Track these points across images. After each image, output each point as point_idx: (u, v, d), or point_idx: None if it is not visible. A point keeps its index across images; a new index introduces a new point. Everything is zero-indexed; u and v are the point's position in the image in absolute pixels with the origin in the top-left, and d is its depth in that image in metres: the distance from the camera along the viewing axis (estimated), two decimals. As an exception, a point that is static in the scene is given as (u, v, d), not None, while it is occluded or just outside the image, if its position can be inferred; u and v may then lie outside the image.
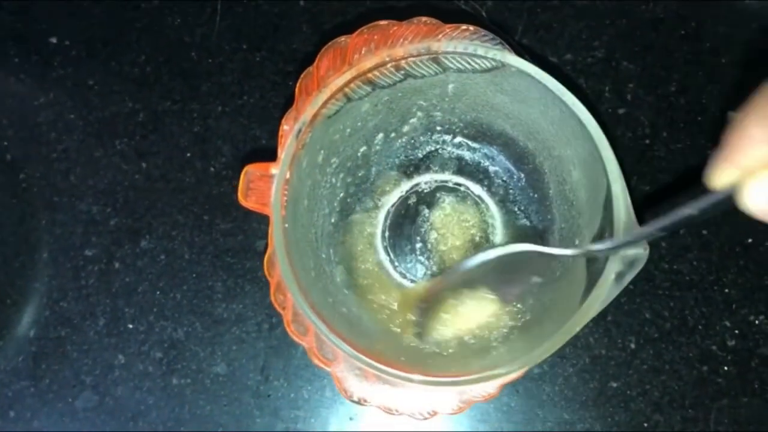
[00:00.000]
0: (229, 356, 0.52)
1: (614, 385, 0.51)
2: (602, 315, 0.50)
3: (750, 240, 0.52)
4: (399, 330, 0.47)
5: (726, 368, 0.51)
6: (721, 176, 0.29)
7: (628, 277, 0.36)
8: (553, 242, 0.48)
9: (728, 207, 0.29)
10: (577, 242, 0.43)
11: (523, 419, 0.51)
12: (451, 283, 0.45)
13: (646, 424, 0.50)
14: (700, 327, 0.51)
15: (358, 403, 0.40)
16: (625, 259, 0.36)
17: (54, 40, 0.57)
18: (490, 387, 0.40)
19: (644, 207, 0.52)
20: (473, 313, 0.47)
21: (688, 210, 0.31)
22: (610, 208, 0.37)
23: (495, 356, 0.44)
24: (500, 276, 0.45)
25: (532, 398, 0.51)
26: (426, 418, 0.40)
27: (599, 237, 0.39)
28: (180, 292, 0.53)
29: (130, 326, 0.52)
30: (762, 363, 0.51)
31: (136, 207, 0.54)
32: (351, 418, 0.51)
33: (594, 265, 0.38)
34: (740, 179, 0.28)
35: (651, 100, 0.54)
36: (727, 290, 0.52)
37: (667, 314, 0.52)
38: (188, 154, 0.55)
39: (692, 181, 0.53)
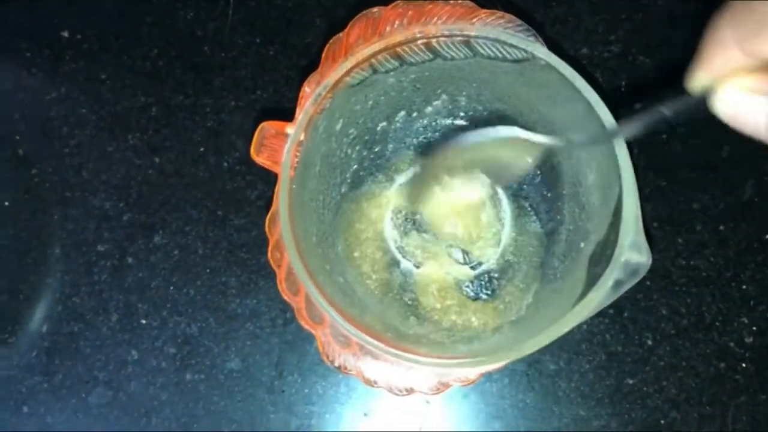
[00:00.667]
0: (243, 352, 0.52)
1: (630, 381, 0.50)
2: (619, 311, 0.50)
3: (767, 236, 0.52)
4: (391, 310, 0.47)
5: (744, 365, 0.50)
6: (695, 80, 0.30)
7: (627, 286, 0.36)
8: (559, 243, 0.47)
9: (703, 112, 0.30)
10: (582, 245, 0.43)
11: (538, 416, 0.50)
12: (445, 158, 0.45)
13: (662, 422, 0.50)
14: (717, 323, 0.51)
15: (339, 369, 0.40)
16: (626, 267, 0.36)
17: (66, 34, 0.56)
18: (470, 373, 0.40)
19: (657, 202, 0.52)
20: (464, 190, 0.47)
21: (663, 110, 0.32)
22: (619, 216, 0.36)
23: (480, 345, 0.44)
24: (492, 163, 0.45)
25: (547, 395, 0.50)
26: (403, 395, 0.40)
27: (605, 243, 0.38)
28: (194, 287, 0.52)
29: (144, 322, 0.52)
30: (780, 360, 0.50)
31: (150, 202, 0.54)
32: (365, 414, 0.51)
33: (595, 269, 0.38)
34: (713, 83, 0.29)
35: (668, 95, 0.54)
36: (744, 286, 0.51)
37: (684, 311, 0.51)
38: (201, 149, 0.54)
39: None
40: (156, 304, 0.52)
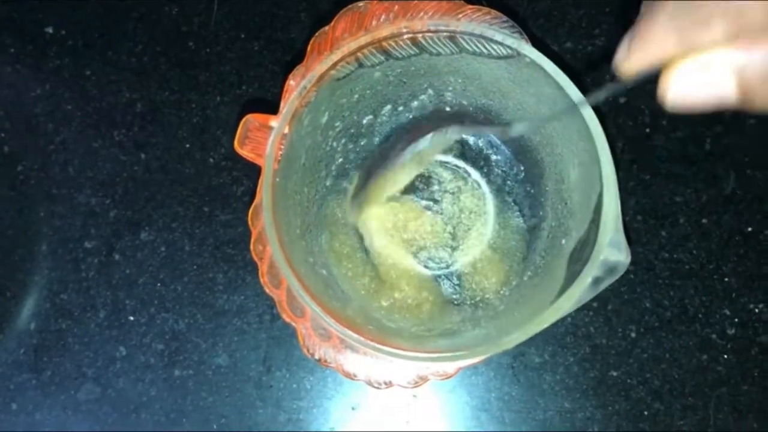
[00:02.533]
0: (231, 347, 0.52)
1: (614, 373, 0.51)
2: (603, 304, 0.51)
3: (750, 229, 0.52)
4: (375, 303, 0.48)
5: (726, 356, 0.51)
6: (630, 64, 0.29)
7: (605, 283, 0.36)
8: (541, 239, 0.48)
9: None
10: (563, 242, 0.43)
11: (524, 408, 0.51)
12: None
13: (646, 413, 0.51)
14: (700, 316, 0.52)
15: (319, 362, 0.41)
16: (605, 264, 0.36)
17: (50, 30, 0.56)
18: (449, 367, 0.40)
19: (641, 194, 0.53)
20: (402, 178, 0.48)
21: (601, 93, 0.33)
22: (600, 214, 0.37)
23: (459, 339, 0.44)
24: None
25: (533, 387, 0.51)
26: (382, 388, 0.41)
27: (585, 240, 0.39)
28: (181, 283, 0.53)
29: (131, 318, 0.52)
30: (761, 351, 0.51)
31: (136, 198, 0.54)
32: (353, 408, 0.51)
33: (575, 266, 0.38)
34: (652, 68, 0.28)
35: (651, 88, 0.54)
36: (726, 279, 0.52)
37: (667, 303, 0.52)
38: (187, 145, 0.54)
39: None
40: (143, 301, 0.53)
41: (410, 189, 0.51)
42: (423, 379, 0.41)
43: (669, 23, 0.27)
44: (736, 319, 0.51)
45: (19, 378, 0.52)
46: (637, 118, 0.54)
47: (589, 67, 0.55)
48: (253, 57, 0.55)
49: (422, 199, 0.51)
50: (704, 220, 0.53)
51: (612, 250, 0.36)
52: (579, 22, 0.55)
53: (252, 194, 0.53)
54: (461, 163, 0.52)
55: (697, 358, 0.51)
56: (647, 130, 0.54)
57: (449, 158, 0.52)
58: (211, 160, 0.54)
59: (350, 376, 0.41)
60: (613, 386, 0.51)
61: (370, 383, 0.41)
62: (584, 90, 0.39)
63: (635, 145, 0.53)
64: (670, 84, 0.28)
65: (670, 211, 0.53)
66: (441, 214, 0.51)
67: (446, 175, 0.52)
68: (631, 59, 0.29)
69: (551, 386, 0.51)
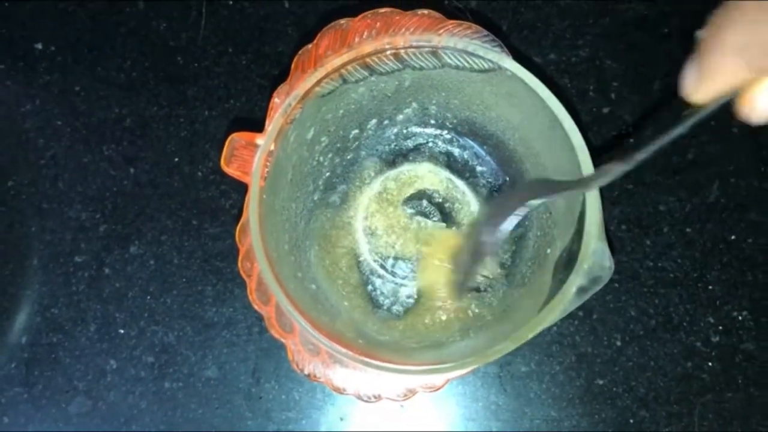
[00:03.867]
0: (220, 359, 0.52)
1: (600, 382, 0.52)
2: (588, 313, 0.51)
3: (733, 237, 0.53)
4: (362, 317, 0.48)
5: (710, 364, 0.52)
6: (702, 94, 0.29)
7: (590, 292, 0.37)
8: (527, 248, 0.48)
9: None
10: (548, 251, 0.44)
11: (511, 417, 0.51)
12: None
13: (631, 421, 0.51)
14: (684, 324, 0.52)
15: (308, 377, 0.41)
16: (590, 274, 0.37)
17: (39, 46, 0.57)
18: (437, 380, 0.41)
19: (626, 206, 0.53)
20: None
21: (678, 130, 0.32)
22: (583, 224, 0.37)
23: (447, 351, 0.45)
24: None
25: (519, 396, 0.52)
26: (372, 402, 0.41)
27: (569, 250, 0.39)
28: (170, 296, 0.53)
29: (122, 331, 0.53)
30: (745, 358, 0.51)
31: (125, 213, 0.54)
32: (341, 419, 0.52)
33: (560, 275, 0.39)
34: (723, 95, 0.29)
35: (635, 98, 0.55)
36: (710, 287, 0.52)
37: (652, 311, 0.52)
38: (176, 159, 0.55)
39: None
40: (133, 314, 0.53)
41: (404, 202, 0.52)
42: (412, 392, 0.41)
43: (739, 54, 0.27)
44: (720, 327, 0.52)
45: (10, 392, 0.52)
46: (621, 128, 0.54)
47: (573, 78, 0.55)
48: (240, 71, 0.56)
49: (414, 209, 0.52)
50: (688, 229, 0.53)
51: (596, 259, 0.37)
52: (563, 34, 0.56)
53: (240, 207, 0.53)
54: (448, 174, 0.52)
55: (682, 365, 0.52)
56: (631, 140, 0.54)
57: (436, 169, 0.52)
58: (200, 173, 0.55)
59: (339, 391, 0.41)
60: (599, 394, 0.51)
61: (359, 397, 0.41)
62: (578, 118, 0.39)
63: (618, 154, 0.54)
64: (754, 103, 0.29)
65: (654, 220, 0.53)
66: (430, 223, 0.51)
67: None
68: (703, 89, 0.29)
69: (538, 395, 0.52)
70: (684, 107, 0.31)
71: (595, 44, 0.56)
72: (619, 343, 0.52)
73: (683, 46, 0.55)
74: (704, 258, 0.53)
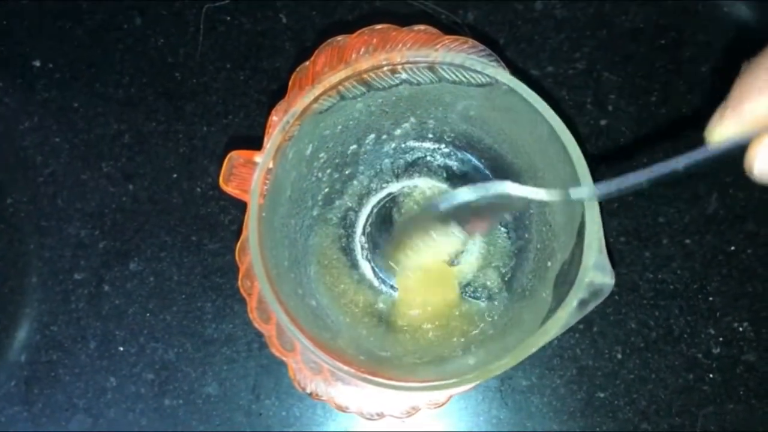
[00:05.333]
0: (221, 376, 0.52)
1: (601, 395, 0.51)
2: (589, 326, 0.51)
3: (732, 248, 0.53)
4: (363, 332, 0.48)
5: (711, 376, 0.51)
6: (723, 128, 0.29)
7: (591, 306, 0.37)
8: (527, 261, 0.48)
9: (718, 159, 0.29)
10: (549, 264, 0.44)
11: (512, 431, 0.51)
12: (423, 219, 0.46)
13: (633, 433, 0.51)
14: (685, 335, 0.52)
15: (310, 396, 0.41)
16: (590, 287, 0.36)
17: (37, 63, 0.57)
18: (440, 396, 0.41)
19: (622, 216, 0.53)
20: (439, 249, 0.47)
21: (679, 163, 0.31)
22: (583, 237, 0.37)
23: (450, 367, 0.45)
24: (473, 214, 0.45)
25: (520, 410, 0.51)
26: (374, 419, 0.41)
27: (570, 263, 0.39)
28: (170, 313, 0.53)
29: (121, 349, 0.53)
30: (747, 370, 0.51)
31: (124, 229, 0.54)
32: (343, 435, 0.52)
33: (560, 289, 0.39)
34: (743, 133, 0.28)
35: (632, 110, 0.55)
36: (711, 298, 0.52)
37: (652, 323, 0.52)
38: (175, 175, 0.55)
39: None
40: (133, 331, 0.53)
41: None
42: (415, 409, 0.41)
43: (763, 94, 0.27)
44: (721, 338, 0.52)
45: (10, 410, 0.52)
46: (618, 141, 0.54)
47: (570, 90, 0.55)
48: (239, 87, 0.56)
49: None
50: (687, 241, 0.53)
51: (596, 272, 0.37)
52: (560, 46, 0.56)
53: (239, 222, 0.53)
54: (447, 188, 0.52)
55: (683, 377, 0.52)
56: (629, 152, 0.54)
57: (436, 183, 0.53)
58: (199, 189, 0.55)
59: (342, 409, 0.41)
60: (601, 407, 0.51)
61: (362, 415, 0.41)
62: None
63: (617, 167, 0.54)
64: (757, 155, 0.28)
65: (653, 232, 0.53)
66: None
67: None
68: (723, 125, 0.29)
69: (539, 409, 0.51)
70: (700, 142, 0.30)
71: (592, 57, 0.56)
72: (620, 356, 0.52)
73: (680, 58, 0.56)
74: (704, 269, 0.53)
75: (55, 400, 0.52)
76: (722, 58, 0.56)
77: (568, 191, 0.38)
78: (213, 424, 0.52)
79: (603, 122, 0.55)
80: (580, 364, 0.52)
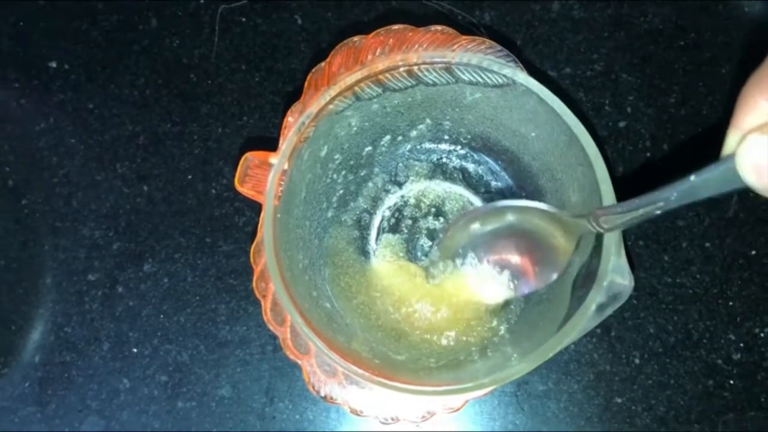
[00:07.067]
0: (234, 379, 0.52)
1: (619, 400, 0.51)
2: (606, 330, 0.50)
3: (753, 252, 0.52)
4: (378, 335, 0.48)
5: (732, 382, 0.51)
6: (728, 144, 0.30)
7: (610, 310, 0.36)
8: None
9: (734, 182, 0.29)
10: (567, 269, 0.43)
11: (528, 437, 0.51)
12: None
13: (652, 440, 0.50)
14: (704, 341, 0.51)
15: (324, 399, 0.40)
16: (609, 291, 0.36)
17: (53, 64, 0.57)
18: (456, 401, 0.40)
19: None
20: (479, 288, 0.47)
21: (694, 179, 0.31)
22: (602, 240, 0.37)
23: (465, 371, 0.44)
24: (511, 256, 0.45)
25: (537, 416, 0.51)
26: (389, 424, 0.40)
27: (588, 266, 0.39)
28: (184, 315, 0.53)
29: (135, 350, 0.53)
30: (768, 376, 0.51)
31: (139, 230, 0.54)
32: (357, 438, 0.51)
33: (578, 292, 0.38)
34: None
35: (651, 112, 0.54)
36: (731, 303, 0.52)
37: (671, 328, 0.51)
38: (189, 176, 0.55)
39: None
40: (147, 333, 0.53)
41: (409, 219, 0.51)
42: (431, 414, 0.40)
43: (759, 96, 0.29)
44: (742, 344, 0.51)
45: (24, 411, 0.52)
46: (637, 143, 0.54)
47: (588, 91, 0.55)
48: (254, 88, 0.56)
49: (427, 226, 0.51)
50: (707, 244, 0.52)
51: (615, 275, 0.36)
52: (577, 47, 0.55)
53: (254, 224, 0.53)
54: (462, 190, 0.52)
55: (703, 383, 0.51)
56: (647, 154, 0.53)
57: (449, 186, 0.52)
58: (213, 191, 0.54)
59: (357, 413, 0.40)
60: (618, 413, 0.51)
61: (377, 419, 0.40)
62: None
63: (636, 169, 0.53)
64: (741, 154, 0.28)
65: (672, 236, 0.52)
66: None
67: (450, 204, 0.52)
68: (727, 141, 0.30)
69: (555, 414, 0.51)
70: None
71: (610, 58, 0.55)
72: (637, 361, 0.51)
73: (699, 59, 0.55)
74: (724, 273, 0.52)
75: (68, 401, 0.52)
76: (742, 59, 0.55)
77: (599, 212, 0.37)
78: (226, 426, 0.51)
79: (621, 124, 0.54)
80: (597, 369, 0.51)
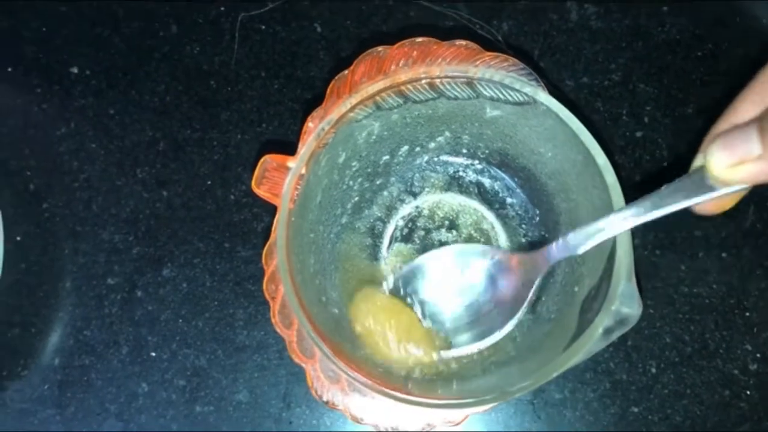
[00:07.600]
0: (251, 383, 0.52)
1: (635, 410, 0.51)
2: (623, 340, 0.50)
3: (770, 262, 0.52)
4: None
5: (748, 392, 0.51)
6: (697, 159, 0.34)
7: (616, 334, 0.36)
8: (554, 284, 0.48)
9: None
10: (576, 289, 0.43)
11: (544, 445, 0.51)
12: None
13: (668, 450, 0.50)
14: (721, 351, 0.51)
15: (326, 404, 0.41)
16: (617, 315, 0.36)
17: (75, 70, 0.58)
18: (456, 415, 0.40)
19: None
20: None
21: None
22: (612, 263, 0.37)
23: (468, 386, 0.44)
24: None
25: (553, 424, 0.51)
26: None
27: (597, 289, 0.39)
28: (202, 319, 0.53)
29: (153, 354, 0.53)
30: (785, 387, 0.51)
31: (158, 235, 0.55)
32: (373, 445, 0.51)
33: (586, 315, 0.38)
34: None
35: (668, 122, 0.54)
36: (747, 313, 0.52)
37: (687, 338, 0.51)
38: (209, 182, 0.55)
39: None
40: (165, 337, 0.53)
41: (423, 230, 0.52)
42: (431, 426, 0.41)
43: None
44: (758, 354, 0.51)
45: (43, 414, 0.53)
46: (654, 153, 0.54)
47: (606, 101, 0.55)
48: (273, 95, 0.56)
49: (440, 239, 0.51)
50: (724, 254, 0.52)
51: (624, 300, 0.36)
52: (595, 57, 0.56)
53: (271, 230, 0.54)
54: (477, 205, 0.52)
55: (719, 393, 0.51)
56: (665, 164, 0.54)
57: (465, 199, 0.52)
58: (232, 197, 0.55)
59: (357, 420, 0.41)
60: (634, 422, 0.51)
61: (377, 428, 0.41)
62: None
63: (652, 179, 0.53)
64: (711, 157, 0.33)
65: (689, 245, 0.53)
66: None
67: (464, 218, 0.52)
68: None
69: (572, 423, 0.51)
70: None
71: (628, 68, 0.55)
72: (654, 371, 0.51)
73: (717, 70, 0.55)
74: (741, 284, 0.52)
75: (87, 404, 0.53)
76: (758, 70, 0.55)
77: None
78: (243, 431, 0.52)
79: (639, 134, 0.54)
80: (613, 378, 0.51)
